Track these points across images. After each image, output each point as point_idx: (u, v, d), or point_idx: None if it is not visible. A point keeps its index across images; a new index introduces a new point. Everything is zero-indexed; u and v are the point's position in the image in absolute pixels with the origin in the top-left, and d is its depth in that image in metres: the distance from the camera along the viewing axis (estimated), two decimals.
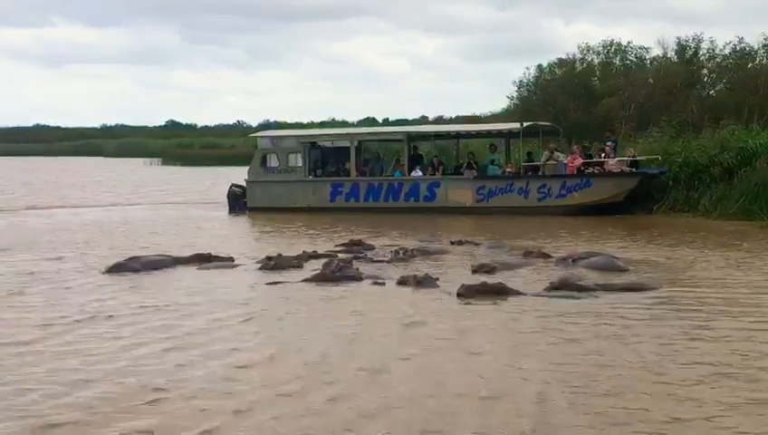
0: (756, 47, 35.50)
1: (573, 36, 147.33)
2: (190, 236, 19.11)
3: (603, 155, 23.63)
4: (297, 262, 14.01)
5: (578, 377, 7.43)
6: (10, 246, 17.01)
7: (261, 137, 28.13)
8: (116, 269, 13.43)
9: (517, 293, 11.19)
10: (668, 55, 37.21)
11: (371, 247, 16.06)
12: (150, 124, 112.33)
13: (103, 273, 13.33)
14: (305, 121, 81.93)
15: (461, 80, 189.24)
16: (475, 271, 12.99)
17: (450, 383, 7.32)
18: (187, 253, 14.99)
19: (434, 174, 24.73)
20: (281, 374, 7.66)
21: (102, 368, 7.87)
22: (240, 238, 19.62)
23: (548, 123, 27.23)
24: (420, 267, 13.41)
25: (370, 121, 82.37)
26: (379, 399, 6.91)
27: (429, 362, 8.05)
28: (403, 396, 6.96)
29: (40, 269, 13.79)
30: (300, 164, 25.71)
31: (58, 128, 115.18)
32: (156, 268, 13.69)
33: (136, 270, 13.40)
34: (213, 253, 14.86)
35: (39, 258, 15.19)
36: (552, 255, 14.66)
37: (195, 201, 29.96)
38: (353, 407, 6.72)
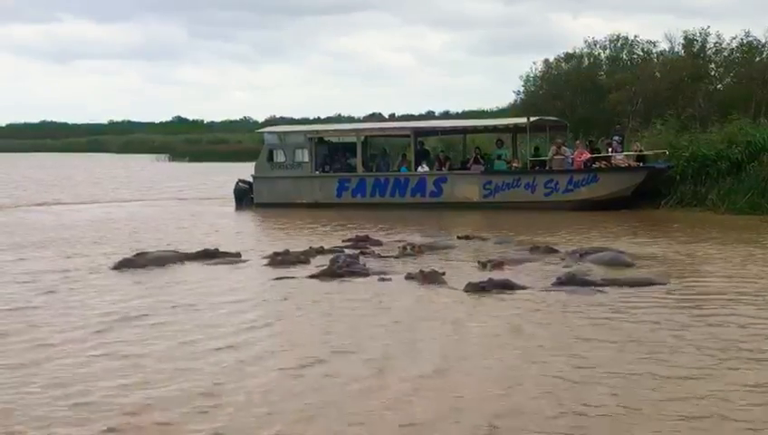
0: (763, 41, 35.38)
1: (581, 30, 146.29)
2: (196, 231, 19.13)
3: (610, 150, 23.59)
4: (304, 257, 14.01)
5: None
6: (41, 242, 17.08)
7: (267, 132, 28.17)
8: (124, 265, 13.44)
9: (523, 288, 11.20)
10: (675, 49, 37.09)
11: (378, 243, 16.06)
12: (157, 120, 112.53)
13: (111, 269, 13.34)
14: (312, 117, 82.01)
15: (468, 75, 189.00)
16: (482, 266, 13.01)
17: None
18: (194, 249, 14.99)
19: (440, 169, 24.71)
20: (345, 375, 7.50)
21: (159, 368, 7.76)
22: (247, 234, 19.64)
23: (555, 118, 27.18)
24: (428, 263, 13.39)
25: (377, 117, 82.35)
26: (453, 399, 6.84)
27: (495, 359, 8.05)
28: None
29: (65, 267, 13.77)
30: (306, 160, 25.72)
31: (65, 124, 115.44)
32: (163, 264, 13.70)
33: (143, 266, 13.42)
34: (220, 249, 14.87)
35: (60, 255, 15.22)
36: (559, 250, 14.64)
37: (202, 197, 30.00)
38: (437, 408, 6.65)
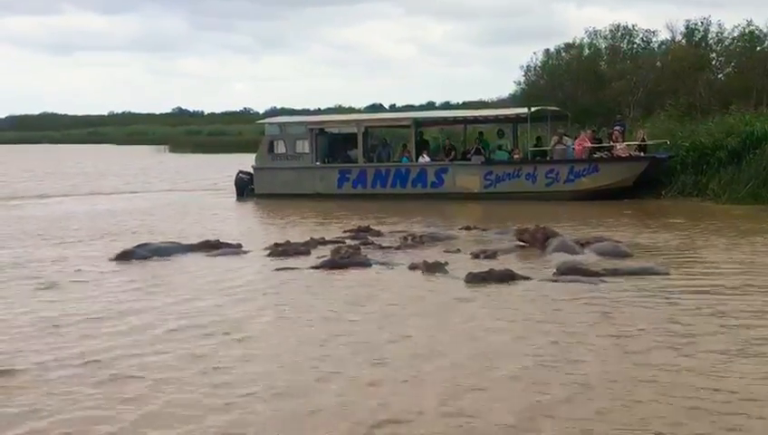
0: (765, 30, 35.36)
1: (584, 21, 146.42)
2: (197, 222, 19.13)
3: (610, 140, 23.56)
4: (305, 248, 14.02)
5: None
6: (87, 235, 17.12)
7: (268, 123, 28.16)
8: (124, 257, 13.45)
9: (525, 278, 11.21)
10: (677, 39, 37.05)
11: (379, 234, 16.07)
12: (157, 111, 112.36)
13: (111, 260, 13.35)
14: (312, 108, 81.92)
15: (470, 65, 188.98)
16: (475, 256, 13.06)
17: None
18: (195, 240, 14.99)
19: (445, 159, 24.71)
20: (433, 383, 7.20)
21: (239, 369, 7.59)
22: (248, 225, 19.64)
23: (556, 108, 27.14)
24: (429, 253, 13.38)
25: (377, 108, 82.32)
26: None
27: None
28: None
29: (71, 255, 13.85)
30: (307, 151, 25.70)
31: (65, 115, 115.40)
32: (164, 255, 13.70)
33: (145, 257, 13.43)
34: (221, 239, 14.88)
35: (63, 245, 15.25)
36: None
37: (203, 188, 30.01)
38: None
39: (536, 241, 13.89)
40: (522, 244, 14.22)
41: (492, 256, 13.04)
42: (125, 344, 8.28)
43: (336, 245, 14.12)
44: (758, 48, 35.11)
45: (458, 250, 13.77)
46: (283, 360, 7.77)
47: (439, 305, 9.94)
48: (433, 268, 11.87)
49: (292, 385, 6.98)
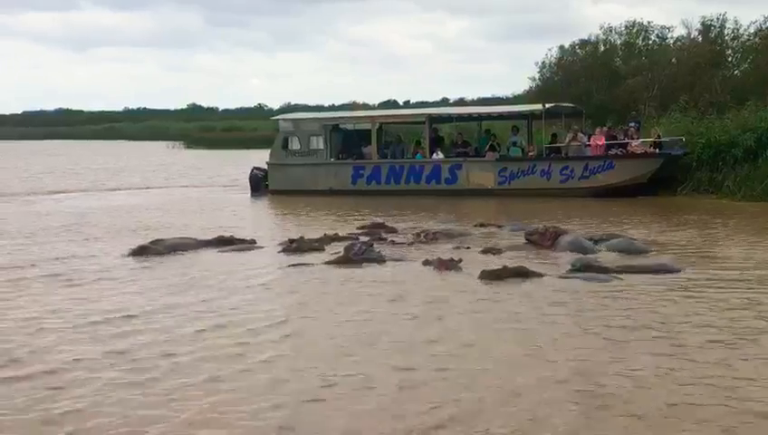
0: None
1: (600, 17, 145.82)
2: (212, 218, 19.17)
3: (624, 136, 23.44)
4: (319, 244, 14.03)
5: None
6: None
7: (282, 120, 28.17)
8: (140, 252, 13.49)
9: (539, 275, 11.18)
10: (692, 35, 36.81)
11: (393, 230, 16.06)
12: (172, 107, 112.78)
13: (127, 256, 13.40)
14: (326, 104, 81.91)
15: (484, 61, 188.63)
16: (484, 253, 13.10)
17: None
18: (210, 236, 15.00)
19: (461, 151, 24.67)
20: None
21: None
22: (262, 221, 19.69)
23: (571, 105, 27.03)
24: (443, 250, 13.37)
25: (391, 104, 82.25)
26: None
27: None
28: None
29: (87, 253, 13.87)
30: (321, 147, 25.70)
31: (81, 112, 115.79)
32: (179, 251, 13.75)
33: (160, 253, 13.47)
34: (235, 235, 14.90)
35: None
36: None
37: (218, 184, 30.08)
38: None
39: (545, 239, 13.87)
40: (531, 242, 14.18)
41: (497, 252, 13.05)
42: (162, 341, 8.28)
43: (350, 241, 14.12)
44: None
45: (468, 247, 13.74)
46: (328, 355, 7.76)
47: (469, 302, 9.92)
48: (447, 265, 11.86)
49: (343, 381, 6.97)
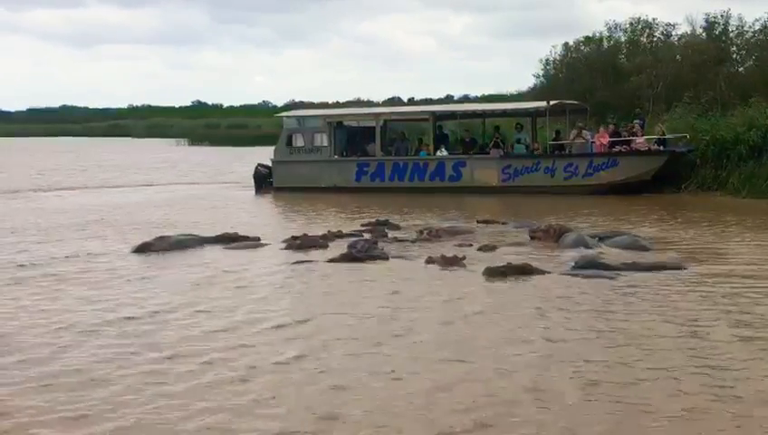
0: None
1: (605, 14, 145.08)
2: (216, 215, 19.18)
3: (626, 134, 23.41)
4: (323, 241, 14.04)
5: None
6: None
7: (287, 117, 28.20)
8: (144, 249, 13.52)
9: (542, 272, 11.19)
10: (697, 32, 36.72)
11: (397, 227, 16.07)
12: (177, 104, 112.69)
13: (131, 253, 13.42)
14: (331, 101, 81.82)
15: (489, 58, 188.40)
16: (479, 250, 13.12)
17: None
18: (214, 233, 15.01)
19: (467, 151, 24.68)
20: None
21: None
22: (266, 218, 19.69)
23: (575, 102, 27.00)
24: (447, 247, 13.34)
25: (396, 101, 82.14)
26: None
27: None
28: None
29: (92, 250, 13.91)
30: (325, 144, 25.71)
31: (86, 108, 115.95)
32: (183, 248, 13.77)
33: (164, 250, 13.50)
34: (239, 232, 14.91)
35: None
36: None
37: (223, 181, 30.09)
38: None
39: (549, 237, 13.90)
40: (536, 239, 14.20)
41: (492, 249, 13.09)
42: (195, 337, 8.29)
43: (354, 238, 14.13)
44: None
45: (472, 244, 13.75)
46: (360, 351, 7.80)
47: (473, 300, 9.93)
48: (451, 262, 11.87)
49: (377, 378, 7.01)
